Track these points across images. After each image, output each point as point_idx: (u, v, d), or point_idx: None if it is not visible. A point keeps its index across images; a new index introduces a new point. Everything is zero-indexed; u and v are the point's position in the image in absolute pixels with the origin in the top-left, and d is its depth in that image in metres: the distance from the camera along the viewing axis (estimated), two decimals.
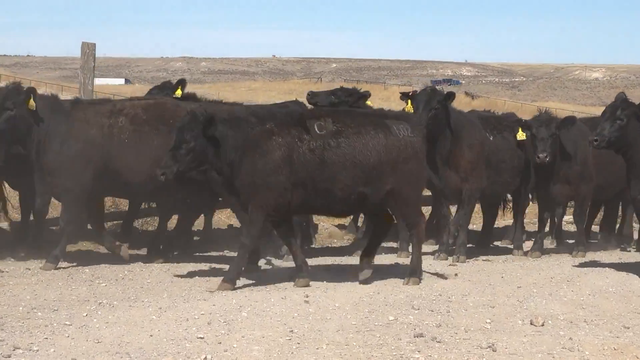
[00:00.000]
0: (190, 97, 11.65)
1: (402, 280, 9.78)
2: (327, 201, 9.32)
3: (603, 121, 10.63)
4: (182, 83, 11.84)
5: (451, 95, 11.48)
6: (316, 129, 9.23)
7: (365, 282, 9.64)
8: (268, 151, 9.12)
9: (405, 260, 11.39)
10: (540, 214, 12.63)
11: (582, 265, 11.59)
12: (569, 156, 12.13)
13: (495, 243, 13.75)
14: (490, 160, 11.87)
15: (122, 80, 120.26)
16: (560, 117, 12.36)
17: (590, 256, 12.48)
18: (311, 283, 9.53)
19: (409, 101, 11.53)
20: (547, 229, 13.12)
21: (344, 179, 9.21)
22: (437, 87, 12.16)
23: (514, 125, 12.33)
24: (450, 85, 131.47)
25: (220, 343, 7.01)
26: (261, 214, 9.14)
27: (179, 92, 11.61)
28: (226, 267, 10.37)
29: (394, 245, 12.48)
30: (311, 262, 10.74)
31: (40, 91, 10.49)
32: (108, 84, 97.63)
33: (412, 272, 9.70)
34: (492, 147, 11.98)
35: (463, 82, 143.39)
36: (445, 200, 11.91)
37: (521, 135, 12.10)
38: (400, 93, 11.91)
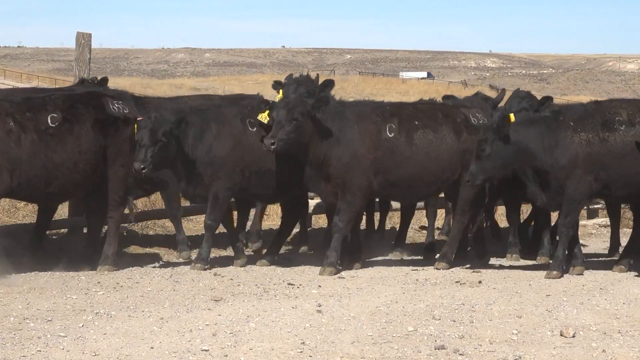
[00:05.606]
0: None
1: (422, 288, 9.81)
2: None
3: None
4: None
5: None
6: None
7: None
8: None
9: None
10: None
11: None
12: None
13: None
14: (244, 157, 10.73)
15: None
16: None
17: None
18: (324, 292, 9.55)
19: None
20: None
21: None
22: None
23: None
24: None
25: (227, 356, 7.03)
26: None
27: None
28: (231, 273, 10.39)
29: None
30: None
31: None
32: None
33: None
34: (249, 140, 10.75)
35: (487, 74, 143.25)
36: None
37: None
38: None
